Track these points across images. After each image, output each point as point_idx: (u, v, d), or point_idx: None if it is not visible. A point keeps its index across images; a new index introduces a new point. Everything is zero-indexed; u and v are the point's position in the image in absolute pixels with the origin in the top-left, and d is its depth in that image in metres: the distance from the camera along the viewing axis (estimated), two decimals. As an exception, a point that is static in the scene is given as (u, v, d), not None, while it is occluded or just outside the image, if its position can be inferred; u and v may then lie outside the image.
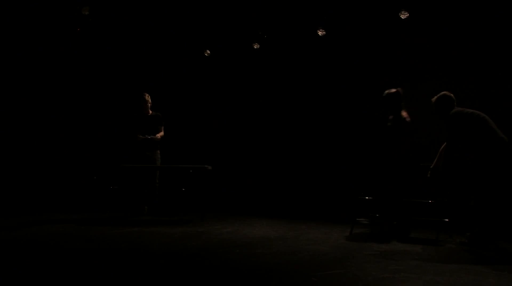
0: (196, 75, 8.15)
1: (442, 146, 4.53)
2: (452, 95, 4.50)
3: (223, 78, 7.98)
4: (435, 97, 4.56)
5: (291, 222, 5.69)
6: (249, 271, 3.19)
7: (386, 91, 4.80)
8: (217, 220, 5.74)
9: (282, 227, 5.24)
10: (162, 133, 6.21)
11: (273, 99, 7.50)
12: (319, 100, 7.03)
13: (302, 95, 7.21)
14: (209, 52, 7.70)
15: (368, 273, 3.09)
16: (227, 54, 7.80)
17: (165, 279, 2.97)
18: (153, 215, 6.08)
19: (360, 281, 2.91)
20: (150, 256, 3.68)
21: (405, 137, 4.69)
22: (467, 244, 4.21)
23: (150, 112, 6.26)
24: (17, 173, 7.31)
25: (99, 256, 3.66)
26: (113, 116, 7.77)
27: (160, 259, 3.57)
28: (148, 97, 6.25)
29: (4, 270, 3.14)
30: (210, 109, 8.06)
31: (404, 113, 4.74)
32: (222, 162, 7.43)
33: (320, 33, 6.69)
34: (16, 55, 7.41)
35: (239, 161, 7.70)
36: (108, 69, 7.89)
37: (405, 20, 6.00)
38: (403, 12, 5.96)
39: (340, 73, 6.83)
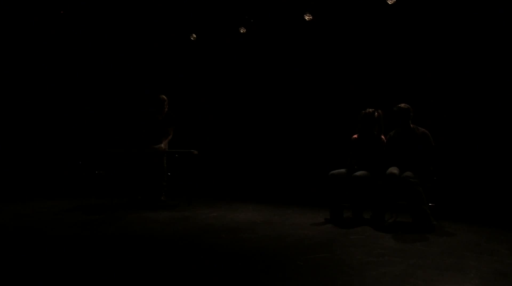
0: (182, 60, 8.05)
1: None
2: None
3: (209, 63, 7.90)
4: (400, 107, 4.58)
5: (277, 207, 5.72)
6: (236, 255, 3.22)
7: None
8: (204, 205, 5.75)
9: (268, 212, 5.28)
10: (169, 137, 5.99)
11: (259, 85, 7.46)
12: (305, 87, 7.01)
13: (288, 82, 7.19)
14: (195, 36, 7.60)
15: (353, 257, 3.14)
16: (214, 38, 7.71)
17: (152, 263, 2.98)
18: (167, 198, 5.94)
19: (345, 264, 2.95)
20: (137, 240, 3.68)
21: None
22: (413, 223, 4.33)
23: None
24: (2, 159, 7.22)
25: (85, 242, 3.65)
26: (105, 102, 7.76)
27: (147, 243, 3.58)
28: (165, 101, 6.01)
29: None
30: (196, 94, 7.99)
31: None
32: (208, 147, 7.41)
33: (307, 17, 6.65)
34: (7, 47, 7.30)
35: (225, 146, 7.69)
36: (95, 56, 7.79)
37: (392, 5, 5.98)
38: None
39: (327, 59, 6.81)
